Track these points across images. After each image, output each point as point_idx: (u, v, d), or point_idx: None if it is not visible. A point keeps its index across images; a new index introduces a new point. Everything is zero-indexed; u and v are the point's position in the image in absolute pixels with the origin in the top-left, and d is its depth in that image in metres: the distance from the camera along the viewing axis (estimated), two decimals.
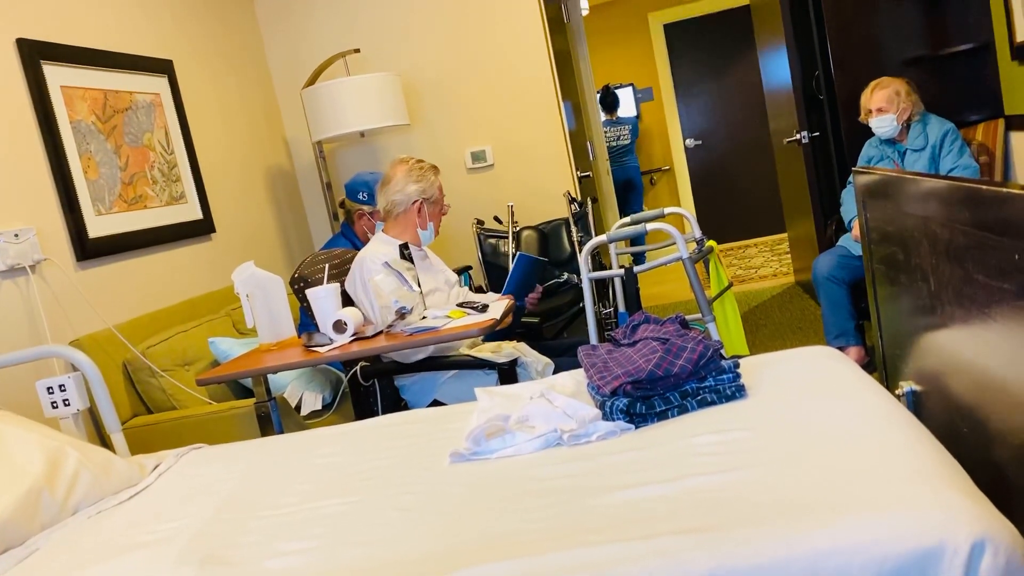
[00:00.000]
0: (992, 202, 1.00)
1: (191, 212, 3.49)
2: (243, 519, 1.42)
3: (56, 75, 2.87)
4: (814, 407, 1.42)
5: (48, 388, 2.05)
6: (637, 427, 1.51)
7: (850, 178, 3.62)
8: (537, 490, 1.30)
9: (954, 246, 1.20)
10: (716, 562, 0.98)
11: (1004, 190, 0.96)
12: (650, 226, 2.47)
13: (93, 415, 2.52)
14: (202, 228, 3.53)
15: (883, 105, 3.31)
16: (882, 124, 3.32)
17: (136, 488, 1.71)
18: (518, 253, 2.45)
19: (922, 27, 3.69)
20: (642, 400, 1.52)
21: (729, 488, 1.16)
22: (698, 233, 2.78)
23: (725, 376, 1.55)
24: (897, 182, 1.48)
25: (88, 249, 2.87)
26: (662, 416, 1.52)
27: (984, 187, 1.02)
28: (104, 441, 2.52)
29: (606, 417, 1.53)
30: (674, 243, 2.65)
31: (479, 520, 1.24)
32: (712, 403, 1.53)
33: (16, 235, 2.55)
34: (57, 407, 2.06)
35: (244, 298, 2.49)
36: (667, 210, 2.85)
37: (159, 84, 3.43)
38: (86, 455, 1.69)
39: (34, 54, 2.77)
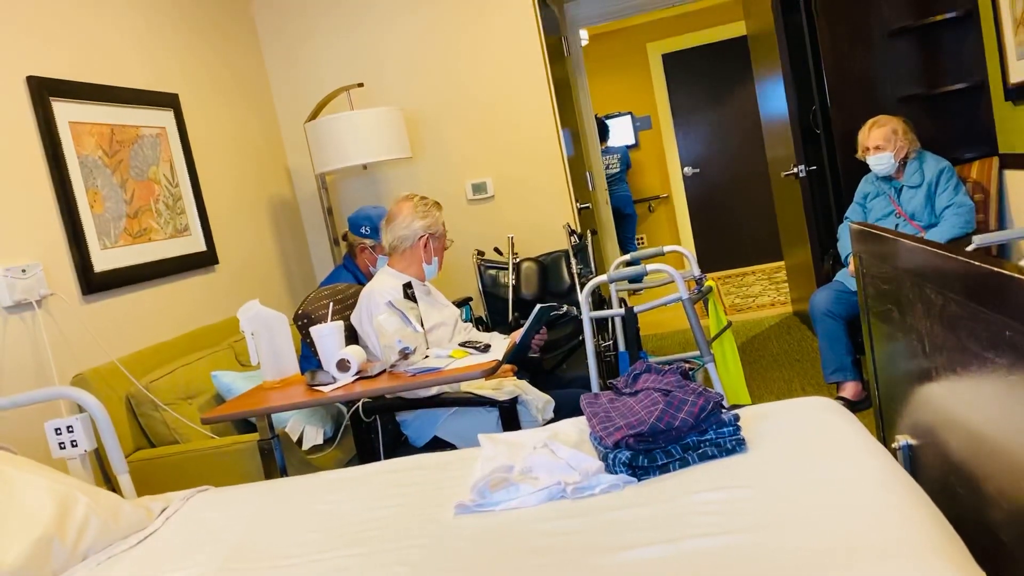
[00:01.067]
0: (986, 279, 1.04)
1: (195, 244, 3.52)
2: (251, 570, 1.45)
3: (64, 111, 2.91)
4: (813, 465, 1.44)
5: (56, 429, 2.08)
6: (639, 480, 1.53)
7: (847, 213, 3.67)
8: (542, 547, 1.33)
9: (948, 313, 1.23)
10: None
11: (997, 270, 0.99)
12: (651, 267, 2.51)
13: (98, 453, 2.54)
14: (205, 260, 3.56)
15: (880, 143, 3.36)
16: (879, 162, 3.37)
17: (144, 533, 1.73)
18: (538, 306, 2.48)
19: (917, 66, 3.75)
20: (644, 453, 1.55)
21: (730, 552, 1.19)
22: (697, 272, 2.82)
23: (726, 429, 1.58)
24: (893, 241, 1.51)
25: (93, 283, 2.90)
26: (663, 469, 1.55)
27: (978, 263, 1.05)
28: (108, 479, 2.54)
29: (609, 469, 1.56)
30: (672, 280, 2.69)
31: None
32: (713, 456, 1.56)
33: (23, 271, 2.58)
34: (65, 448, 2.08)
35: (249, 336, 2.52)
36: (666, 248, 2.89)
37: (165, 118, 3.47)
38: (95, 500, 1.71)
39: (43, 91, 2.81)
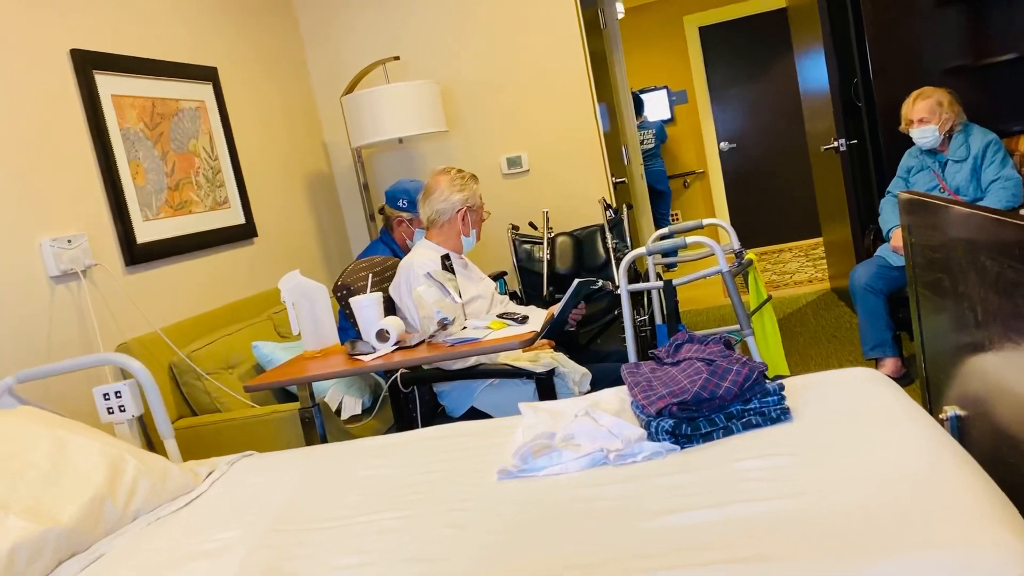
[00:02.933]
0: None
1: (234, 217, 3.56)
2: (298, 531, 1.47)
3: (107, 84, 2.94)
4: (859, 433, 1.43)
5: (104, 395, 2.12)
6: (682, 448, 1.53)
7: (889, 187, 3.61)
8: (586, 511, 1.33)
9: (1003, 280, 1.21)
10: None
11: None
12: (690, 239, 2.49)
13: (142, 420, 2.59)
14: (244, 233, 3.60)
15: (925, 116, 3.29)
16: (924, 135, 3.30)
17: (191, 496, 1.77)
18: (576, 281, 2.48)
19: (964, 36, 3.66)
20: (687, 421, 1.54)
21: (778, 517, 1.19)
22: (737, 245, 2.80)
23: (770, 399, 1.57)
24: (945, 209, 1.49)
25: (136, 254, 2.94)
26: (707, 438, 1.54)
27: None
28: (153, 446, 2.59)
29: (651, 437, 1.56)
30: (711, 254, 2.67)
31: (531, 541, 1.27)
32: (757, 425, 1.56)
33: (69, 241, 2.63)
34: (113, 413, 2.12)
35: (290, 306, 2.55)
36: (705, 221, 2.86)
37: (204, 91, 3.50)
38: (144, 462, 1.75)
39: (87, 64, 2.85)
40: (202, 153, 3.43)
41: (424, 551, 1.30)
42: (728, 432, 1.55)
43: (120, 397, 2.12)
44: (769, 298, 2.76)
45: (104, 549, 1.54)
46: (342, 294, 2.78)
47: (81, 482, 1.60)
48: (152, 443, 2.63)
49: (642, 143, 6.74)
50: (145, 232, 3.01)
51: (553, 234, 3.87)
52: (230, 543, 1.46)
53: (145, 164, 3.07)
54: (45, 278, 2.55)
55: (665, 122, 7.22)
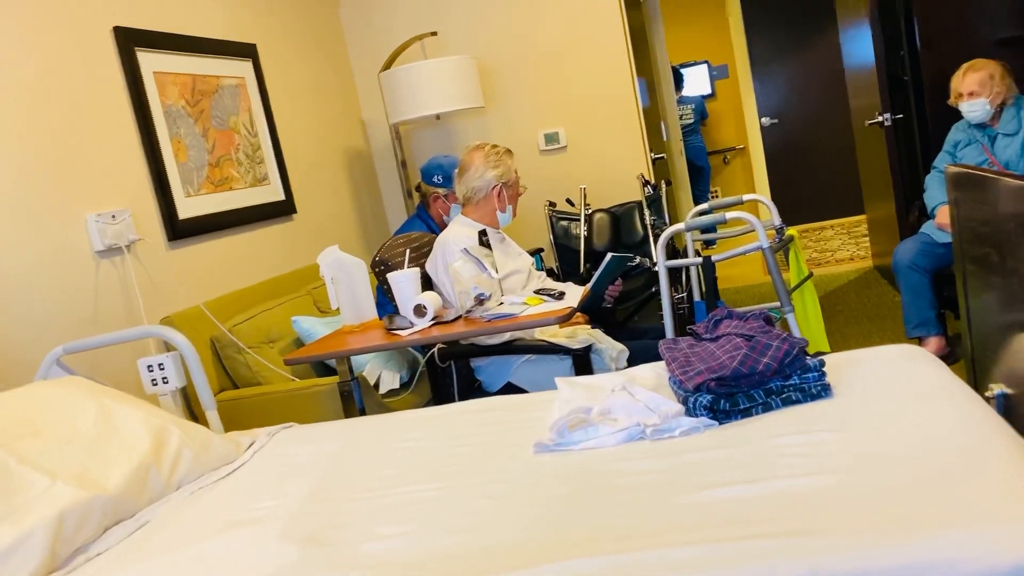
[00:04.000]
0: None
1: (274, 193, 3.59)
2: (338, 501, 1.49)
3: (149, 61, 2.97)
4: (902, 409, 1.41)
5: (149, 366, 2.16)
6: (720, 423, 1.52)
7: (935, 163, 3.52)
8: (623, 485, 1.33)
9: None
10: (812, 568, 0.99)
11: None
12: (730, 215, 2.46)
13: (185, 392, 2.64)
14: (284, 209, 3.63)
15: (975, 89, 3.20)
16: (973, 108, 3.22)
17: (233, 465, 1.80)
18: (609, 254, 2.46)
19: (1016, 6, 3.54)
20: (726, 397, 1.53)
21: (819, 492, 1.17)
22: (778, 221, 2.75)
23: (810, 375, 1.55)
24: (995, 182, 1.45)
25: (178, 229, 2.98)
26: (746, 413, 1.53)
27: None
28: (195, 418, 2.64)
29: (689, 413, 1.55)
30: (751, 230, 2.63)
31: (568, 513, 1.27)
32: (797, 402, 1.54)
33: (113, 216, 2.67)
34: (157, 384, 2.17)
35: (329, 281, 2.57)
36: (745, 197, 2.82)
37: (244, 68, 3.53)
38: (187, 433, 1.79)
39: (129, 41, 2.88)
40: (242, 130, 3.46)
41: (463, 522, 1.31)
42: (767, 408, 1.53)
43: (164, 369, 2.16)
44: (810, 275, 2.72)
45: (149, 516, 1.58)
46: (380, 269, 2.80)
47: (127, 451, 1.64)
48: (194, 415, 2.68)
49: (681, 119, 6.65)
50: (187, 208, 3.05)
51: (590, 211, 3.85)
52: (272, 512, 1.49)
53: (186, 141, 3.11)
54: (91, 253, 2.60)
55: (705, 97, 7.12)
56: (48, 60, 2.55)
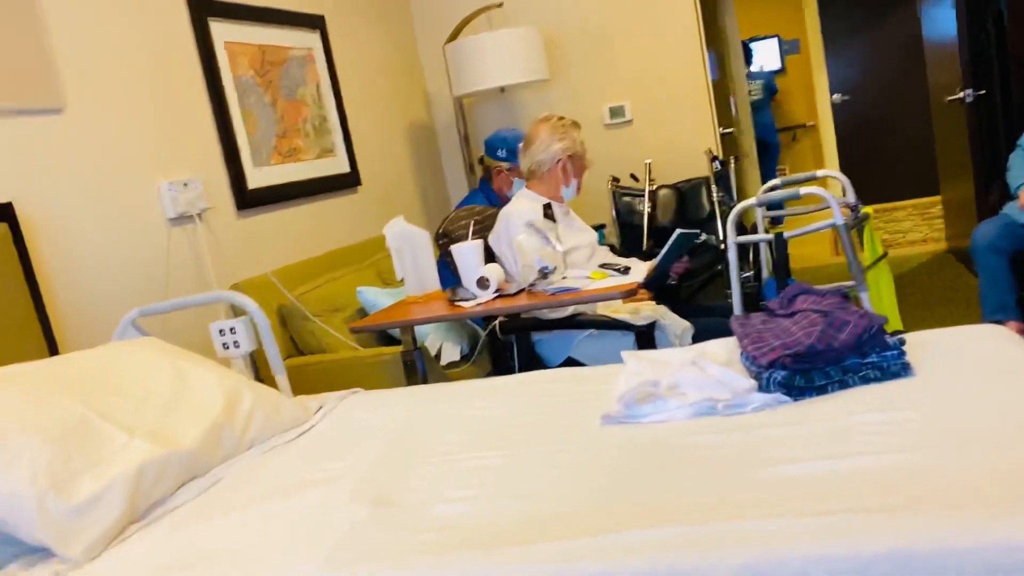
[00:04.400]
0: None
1: (340, 165, 3.62)
2: (406, 465, 1.50)
3: (220, 31, 3.01)
4: (987, 390, 1.36)
5: (220, 330, 2.21)
6: (794, 400, 1.49)
7: (1019, 140, 3.37)
8: (694, 458, 1.31)
9: None
10: (893, 545, 0.96)
11: None
12: (803, 190, 2.39)
13: (253, 357, 2.70)
14: (349, 181, 3.66)
15: None
16: None
17: (302, 428, 1.83)
18: (677, 231, 2.42)
19: None
20: (801, 373, 1.49)
21: (899, 469, 1.14)
22: (852, 198, 2.67)
23: (890, 353, 1.50)
24: None
25: (247, 199, 3.03)
26: (821, 391, 1.49)
27: None
28: (262, 382, 2.69)
29: (762, 389, 1.51)
30: (823, 207, 2.56)
31: (637, 484, 1.26)
32: (874, 380, 1.49)
33: (185, 184, 2.72)
34: (228, 348, 2.21)
35: (394, 251, 2.59)
36: (819, 173, 2.74)
37: (312, 39, 3.55)
38: (259, 395, 1.82)
39: (202, 12, 2.92)
40: (309, 101, 3.49)
41: (529, 489, 1.31)
42: (844, 385, 1.49)
43: (235, 333, 2.20)
44: (885, 254, 2.64)
45: (222, 474, 1.62)
46: (443, 241, 2.81)
47: (201, 410, 1.68)
48: (261, 380, 2.73)
49: (750, 94, 6.50)
50: (256, 178, 3.10)
51: (655, 186, 3.79)
52: (341, 473, 1.51)
53: (256, 111, 3.15)
54: (163, 220, 2.66)
55: (775, 72, 6.94)
56: (125, 29, 2.60)
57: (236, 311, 2.75)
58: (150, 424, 1.59)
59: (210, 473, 1.62)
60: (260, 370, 2.74)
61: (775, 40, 6.88)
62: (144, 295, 2.51)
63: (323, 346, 2.90)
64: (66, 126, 2.33)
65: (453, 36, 4.04)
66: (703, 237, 3.24)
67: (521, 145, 2.87)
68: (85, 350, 1.81)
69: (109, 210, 2.45)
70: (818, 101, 6.83)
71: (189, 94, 2.85)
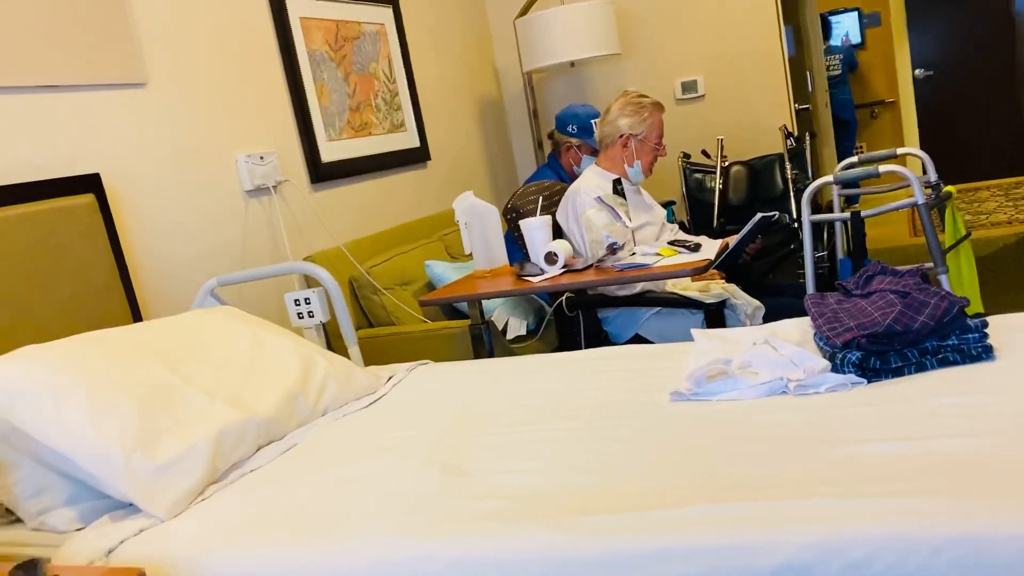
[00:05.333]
0: None
1: (410, 140, 3.65)
2: (473, 435, 1.53)
3: (296, 6, 3.06)
4: None
5: (296, 300, 2.27)
6: (869, 382, 1.46)
7: None
8: (764, 436, 1.30)
9: None
10: (966, 529, 0.94)
11: None
12: (883, 168, 2.32)
13: (324, 327, 2.76)
14: (419, 156, 3.70)
15: None
16: None
17: (373, 397, 1.88)
18: (759, 215, 2.38)
19: None
20: (877, 355, 1.46)
21: (978, 453, 1.11)
22: (933, 177, 2.58)
23: (971, 335, 1.46)
24: None
25: (320, 172, 3.09)
26: (897, 373, 1.46)
27: None
28: (333, 352, 2.76)
29: (836, 369, 1.49)
30: (903, 186, 2.48)
31: (705, 460, 1.26)
32: (954, 363, 1.45)
33: (261, 158, 2.79)
34: (303, 318, 2.27)
35: (463, 226, 2.61)
36: (899, 150, 2.66)
37: (384, 14, 3.58)
38: (332, 363, 1.87)
39: None
40: (381, 76, 3.53)
41: (596, 462, 1.32)
42: (921, 368, 1.46)
43: (309, 303, 2.26)
44: (968, 235, 2.55)
45: (297, 439, 1.67)
46: (511, 216, 2.82)
47: (277, 377, 1.73)
48: (332, 350, 2.80)
49: (828, 69, 6.31)
50: (329, 152, 3.15)
51: (727, 163, 3.73)
52: (411, 441, 1.54)
53: (329, 85, 3.20)
54: (240, 192, 2.73)
55: (854, 47, 6.71)
56: (204, 5, 2.66)
57: (310, 282, 2.82)
58: (230, 389, 1.65)
59: (285, 438, 1.68)
60: (331, 341, 2.81)
61: (855, 13, 6.65)
62: (221, 265, 2.59)
63: (392, 318, 2.95)
64: (149, 100, 2.41)
65: (524, 10, 4.03)
66: (776, 215, 3.17)
67: (594, 121, 2.86)
68: (168, 317, 1.88)
69: (189, 182, 2.53)
70: (899, 76, 6.58)
71: (266, 69, 2.91)
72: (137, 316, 2.18)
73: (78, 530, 1.42)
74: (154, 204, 2.39)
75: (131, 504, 1.43)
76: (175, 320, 1.85)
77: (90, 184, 2.12)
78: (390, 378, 1.99)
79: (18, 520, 1.50)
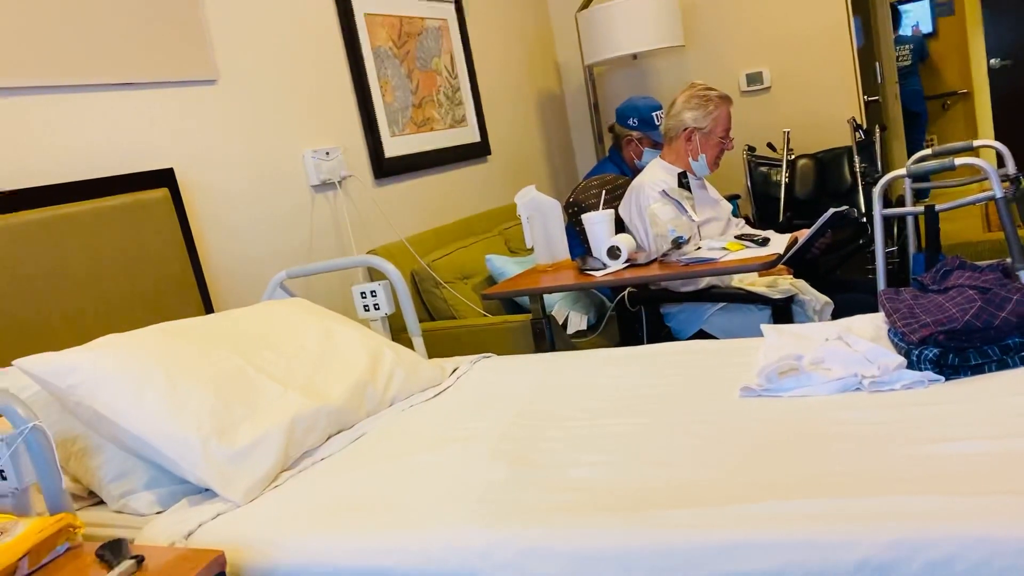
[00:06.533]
0: None
1: (471, 135, 3.67)
2: (541, 427, 1.53)
3: (361, 3, 3.10)
4: None
5: (362, 293, 2.30)
6: (947, 379, 1.42)
7: None
8: (839, 433, 1.28)
9: None
10: None
11: None
12: (959, 160, 2.25)
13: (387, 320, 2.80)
14: (480, 151, 3.71)
15: None
16: None
17: (439, 388, 1.90)
18: (831, 210, 2.34)
19: None
20: (956, 352, 1.42)
21: None
22: (1012, 169, 2.49)
23: None
24: None
25: (384, 167, 3.12)
26: (977, 370, 1.42)
27: None
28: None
29: (912, 366, 1.45)
30: (979, 179, 2.40)
31: (779, 456, 1.24)
32: None
33: (327, 153, 2.84)
34: (369, 310, 2.31)
35: (525, 220, 2.61)
36: (975, 143, 2.57)
37: (447, 10, 3.60)
38: (399, 355, 1.89)
39: None
40: (443, 72, 3.55)
41: (666, 457, 1.31)
42: (1003, 366, 1.41)
43: (375, 296, 2.29)
44: None
45: (366, 428, 1.69)
46: (573, 210, 2.81)
47: (346, 367, 1.76)
48: (396, 342, 2.84)
49: (898, 60, 6.14)
50: (392, 147, 3.19)
51: (793, 156, 3.66)
52: (479, 432, 1.55)
53: (393, 82, 3.23)
54: (307, 186, 2.78)
55: (926, 36, 6.51)
56: (272, 3, 2.71)
57: (374, 275, 2.86)
58: (301, 379, 1.68)
59: (355, 427, 1.70)
60: (394, 334, 2.84)
61: (927, 1, 6.45)
62: (289, 258, 2.65)
63: (453, 312, 2.97)
64: (219, 96, 2.47)
65: (585, 3, 4.01)
66: (846, 209, 3.10)
67: (655, 113, 2.83)
68: (241, 308, 1.92)
69: (258, 176, 2.58)
70: (973, 67, 6.37)
71: (331, 66, 2.95)
72: (209, 307, 2.24)
73: (158, 513, 1.47)
74: (224, 198, 2.45)
75: (208, 489, 1.47)
76: (248, 311, 1.89)
77: (164, 179, 2.18)
78: (455, 370, 2.01)
79: (101, 502, 1.56)
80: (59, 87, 2.01)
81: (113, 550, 1.15)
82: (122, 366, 1.51)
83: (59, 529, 1.17)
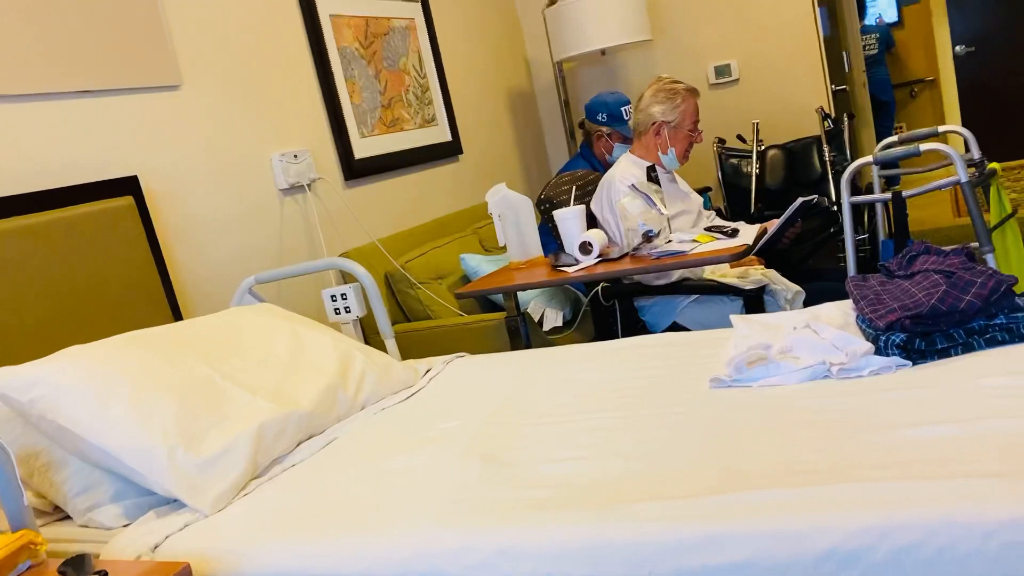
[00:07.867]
0: None
1: (441, 134, 3.65)
2: (515, 425, 1.52)
3: (326, 4, 3.07)
4: None
5: (332, 296, 2.28)
6: (914, 364, 1.42)
7: None
8: (808, 421, 1.28)
9: None
10: (1018, 512, 0.91)
11: None
12: (924, 147, 2.26)
13: (360, 322, 2.78)
14: (451, 150, 3.70)
15: None
16: None
17: (412, 390, 1.88)
18: (800, 200, 2.34)
19: None
20: (921, 336, 1.43)
21: None
22: (977, 154, 2.52)
23: (1020, 314, 1.42)
24: None
25: (354, 169, 3.10)
26: (943, 354, 1.42)
27: None
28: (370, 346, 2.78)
29: (879, 352, 1.46)
30: (944, 165, 2.42)
31: (749, 446, 1.24)
32: (1002, 342, 1.41)
33: (295, 156, 2.81)
34: (339, 313, 2.29)
35: (496, 218, 2.60)
36: (941, 128, 2.59)
37: (413, 9, 3.58)
38: (369, 358, 1.88)
39: None
40: (411, 71, 3.53)
41: (639, 450, 1.31)
42: (968, 348, 1.42)
43: (346, 299, 2.27)
44: (1014, 213, 2.48)
45: (337, 433, 1.68)
46: (545, 207, 2.80)
47: (316, 372, 1.74)
48: (369, 344, 2.82)
49: (865, 49, 6.18)
50: (361, 148, 3.17)
51: (763, 147, 3.67)
52: (451, 432, 1.54)
53: (360, 82, 3.21)
54: (275, 190, 2.75)
55: (891, 25, 6.57)
56: (235, 6, 2.68)
57: (346, 278, 2.84)
58: (270, 385, 1.66)
59: (325, 432, 1.69)
60: (367, 336, 2.82)
61: None
62: (258, 263, 2.62)
63: (428, 312, 2.95)
64: (183, 101, 2.44)
65: (552, 0, 4.00)
66: (815, 199, 3.12)
67: (624, 108, 2.83)
68: (208, 315, 1.90)
69: (225, 181, 2.55)
70: (939, 54, 6.43)
71: (297, 68, 2.93)
72: (177, 315, 2.21)
73: (124, 526, 1.44)
74: (191, 204, 2.42)
75: (175, 500, 1.45)
76: (215, 318, 1.87)
77: (128, 186, 2.15)
78: (427, 371, 2.00)
79: (67, 517, 1.53)
80: (18, 96, 1.98)
81: (76, 566, 1.12)
82: (85, 378, 1.48)
83: (21, 546, 1.15)
